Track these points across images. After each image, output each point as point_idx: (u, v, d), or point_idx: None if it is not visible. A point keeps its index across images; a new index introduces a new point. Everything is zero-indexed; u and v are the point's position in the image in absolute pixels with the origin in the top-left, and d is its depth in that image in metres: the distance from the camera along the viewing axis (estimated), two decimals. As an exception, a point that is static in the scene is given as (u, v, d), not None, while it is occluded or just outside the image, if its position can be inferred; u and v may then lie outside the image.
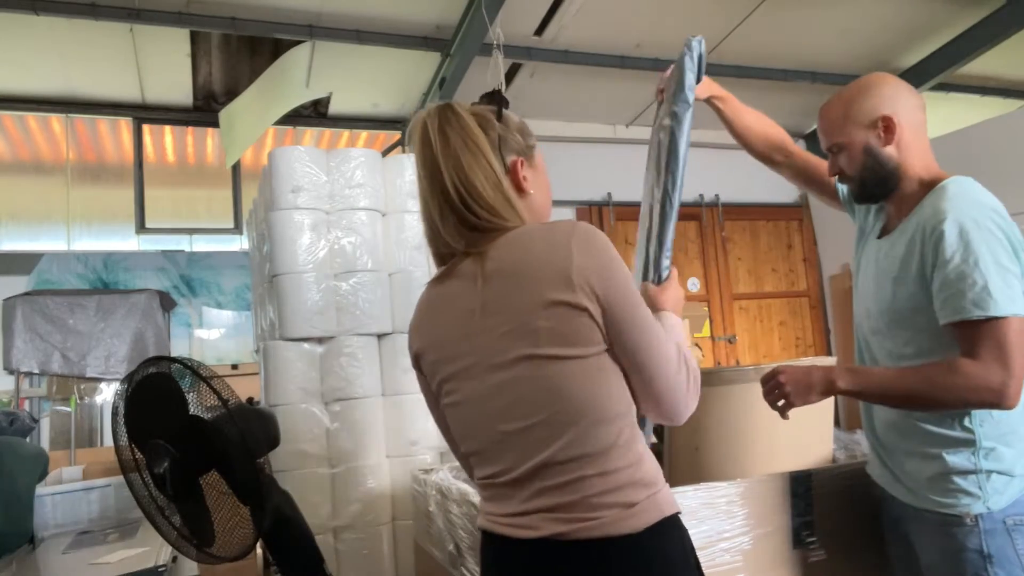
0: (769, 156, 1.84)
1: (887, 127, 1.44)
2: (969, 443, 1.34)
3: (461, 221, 1.10)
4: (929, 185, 1.43)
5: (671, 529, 1.05)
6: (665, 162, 1.53)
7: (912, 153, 1.46)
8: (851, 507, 1.71)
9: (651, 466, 1.07)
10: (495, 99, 1.21)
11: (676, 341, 1.13)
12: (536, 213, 1.20)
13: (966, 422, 1.35)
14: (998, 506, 1.31)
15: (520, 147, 1.20)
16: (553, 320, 1.01)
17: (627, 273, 1.06)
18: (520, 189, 1.17)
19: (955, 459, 1.35)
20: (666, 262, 1.45)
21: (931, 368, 1.34)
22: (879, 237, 1.55)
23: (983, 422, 1.34)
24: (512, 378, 1.04)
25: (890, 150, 1.45)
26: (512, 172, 1.17)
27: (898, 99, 1.46)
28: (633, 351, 1.05)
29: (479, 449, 1.10)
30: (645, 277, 1.48)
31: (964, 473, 1.34)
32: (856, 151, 1.47)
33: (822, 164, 1.76)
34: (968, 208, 1.33)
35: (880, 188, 1.48)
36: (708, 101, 1.78)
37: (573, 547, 0.99)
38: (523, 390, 1.03)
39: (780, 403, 1.42)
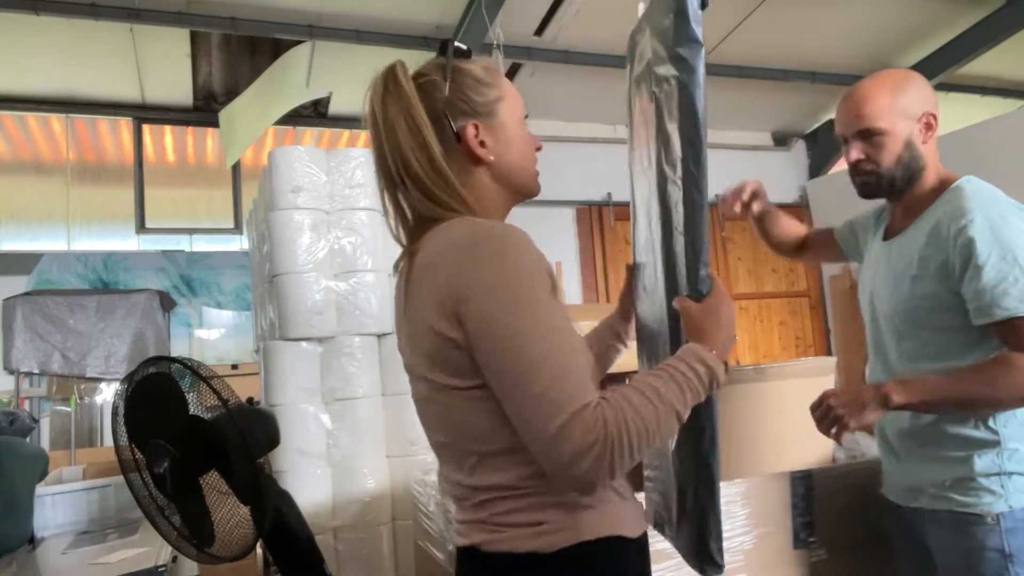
0: (796, 253, 1.92)
1: (928, 124, 1.42)
2: (994, 444, 1.32)
3: (398, 211, 1.03)
4: (941, 186, 1.42)
5: (592, 554, 0.93)
6: (679, 130, 1.06)
7: (932, 154, 1.44)
8: (851, 507, 1.71)
9: (579, 491, 0.94)
10: (445, 51, 1.06)
11: (679, 395, 0.92)
12: (507, 177, 1.06)
13: (991, 423, 1.33)
14: (1020, 504, 1.30)
15: (473, 108, 1.03)
16: (435, 346, 0.93)
17: (513, 291, 0.88)
18: (476, 159, 1.03)
19: (979, 461, 1.33)
20: (703, 271, 1.07)
21: (988, 368, 1.29)
22: (885, 239, 1.53)
23: (1007, 423, 1.32)
24: (425, 395, 1.00)
25: (924, 148, 1.42)
26: (464, 141, 1.02)
27: (934, 99, 1.44)
28: (496, 385, 0.89)
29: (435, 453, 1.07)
30: (669, 294, 1.12)
31: (987, 475, 1.32)
32: (897, 142, 1.41)
33: (821, 232, 1.84)
34: (991, 206, 1.31)
35: (904, 184, 1.43)
36: (755, 219, 1.84)
37: (488, 557, 0.95)
38: (432, 409, 1.00)
39: (834, 429, 1.33)
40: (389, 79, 1.01)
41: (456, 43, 1.06)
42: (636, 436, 0.85)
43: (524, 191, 1.10)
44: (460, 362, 0.91)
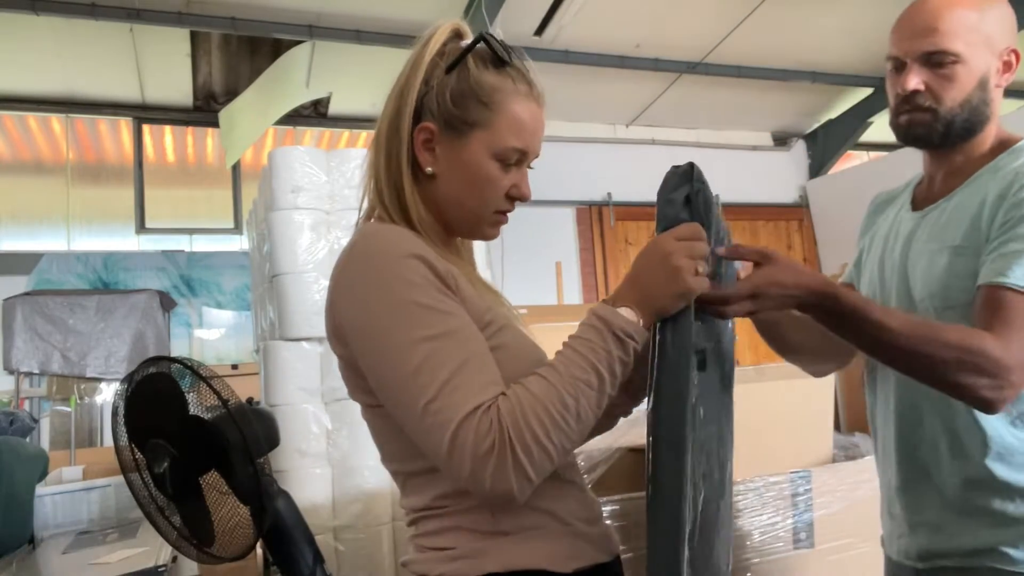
0: (831, 346, 1.31)
1: (1008, 63, 1.12)
2: None
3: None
4: (1000, 146, 1.14)
5: None
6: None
7: (998, 106, 1.13)
8: (851, 507, 1.71)
9: (491, 513, 0.85)
10: (479, 40, 0.93)
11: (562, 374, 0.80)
12: (442, 204, 0.94)
13: None
14: None
15: (444, 112, 0.91)
16: (340, 365, 0.93)
17: (379, 303, 0.82)
18: (419, 166, 0.92)
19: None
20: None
21: (944, 325, 1.03)
22: (916, 209, 1.22)
23: None
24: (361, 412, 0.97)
25: (996, 92, 1.12)
26: (413, 141, 0.92)
27: (1015, 32, 1.13)
28: (386, 403, 0.84)
29: None
30: None
31: None
32: (971, 76, 1.09)
33: None
34: None
35: (961, 136, 1.12)
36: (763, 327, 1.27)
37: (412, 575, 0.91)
38: (368, 426, 0.97)
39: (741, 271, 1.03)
40: (431, 32, 0.94)
41: (495, 42, 0.93)
42: (539, 424, 0.76)
43: (459, 232, 0.99)
44: (360, 380, 0.88)
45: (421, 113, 0.92)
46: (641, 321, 0.84)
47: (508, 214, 0.97)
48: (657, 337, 0.87)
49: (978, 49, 1.09)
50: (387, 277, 0.83)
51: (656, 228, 0.91)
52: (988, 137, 1.14)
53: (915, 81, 1.10)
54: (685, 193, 0.91)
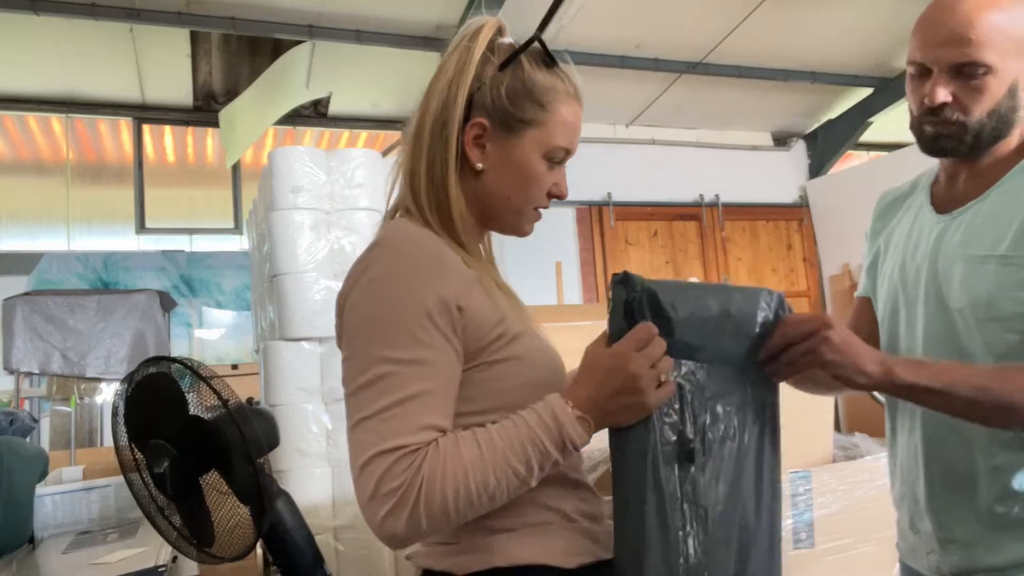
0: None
1: None
2: None
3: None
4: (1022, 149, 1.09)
5: None
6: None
7: None
8: (851, 507, 1.71)
9: (502, 509, 0.83)
10: (532, 41, 0.95)
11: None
12: (486, 199, 0.95)
13: None
14: None
15: (495, 107, 0.92)
16: None
17: (368, 309, 0.82)
18: (467, 160, 0.93)
19: None
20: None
21: (1014, 368, 0.98)
22: (940, 211, 1.14)
23: None
24: None
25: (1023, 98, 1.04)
26: (464, 136, 0.92)
27: None
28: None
29: None
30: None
31: None
32: (1002, 84, 1.02)
33: (857, 312, 1.31)
34: None
35: (989, 143, 1.06)
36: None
37: (417, 570, 0.92)
38: None
39: (804, 363, 0.94)
40: (475, 29, 0.94)
41: (545, 45, 0.95)
42: (453, 490, 0.75)
43: (498, 227, 1.00)
44: None
45: (471, 109, 0.92)
46: (592, 427, 0.82)
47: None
48: (613, 441, 0.86)
49: (1009, 56, 1.01)
50: (391, 288, 0.82)
51: (608, 341, 0.87)
52: (1014, 138, 1.08)
53: (943, 93, 1.03)
54: (623, 300, 0.87)
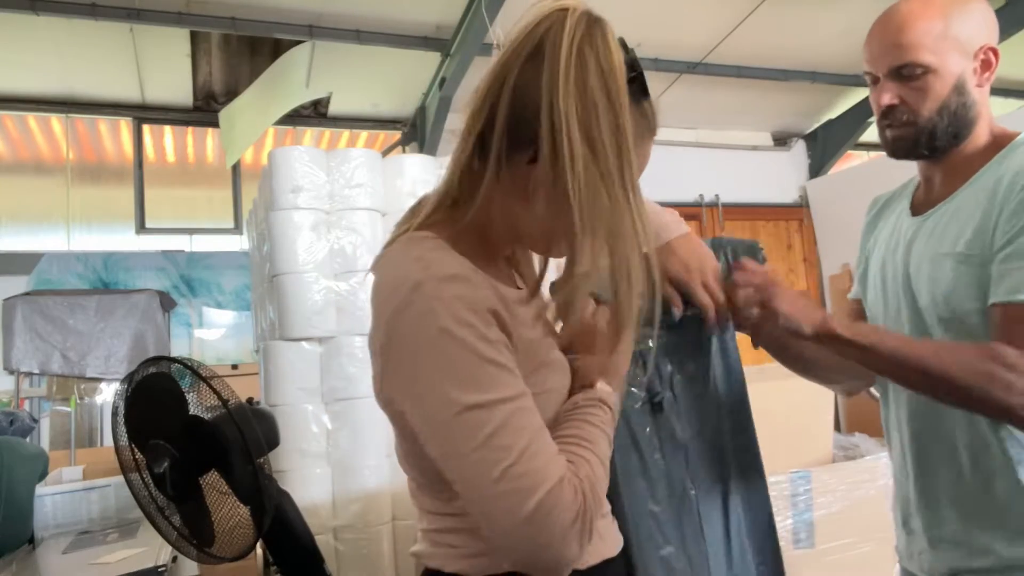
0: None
1: (987, 62, 1.10)
2: None
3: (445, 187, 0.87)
4: (996, 143, 1.12)
5: None
6: None
7: (986, 103, 1.11)
8: (851, 507, 1.71)
9: None
10: (636, 73, 0.83)
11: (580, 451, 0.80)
12: (517, 232, 0.86)
13: None
14: None
15: None
16: (376, 385, 0.85)
17: (438, 372, 0.74)
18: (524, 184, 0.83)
19: None
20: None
21: (960, 345, 1.02)
22: (916, 214, 1.19)
23: None
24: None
25: (978, 94, 1.10)
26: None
27: (995, 27, 1.11)
28: (444, 466, 0.78)
29: None
30: None
31: None
32: (944, 84, 1.07)
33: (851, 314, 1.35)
34: None
35: (948, 141, 1.10)
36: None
37: (426, 570, 0.91)
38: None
39: (754, 311, 1.05)
40: (599, 26, 0.79)
41: (643, 73, 0.85)
42: (602, 499, 0.81)
43: (505, 248, 0.92)
44: (389, 408, 0.84)
45: None
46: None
47: None
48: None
49: (949, 55, 1.07)
50: (445, 344, 0.74)
51: None
52: (981, 136, 1.12)
53: (888, 96, 1.10)
54: None
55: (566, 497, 0.73)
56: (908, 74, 1.08)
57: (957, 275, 1.05)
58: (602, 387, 0.88)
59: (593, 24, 0.79)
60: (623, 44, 0.83)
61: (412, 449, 0.85)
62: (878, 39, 1.11)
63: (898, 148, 1.13)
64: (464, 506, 0.79)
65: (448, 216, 0.86)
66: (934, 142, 1.10)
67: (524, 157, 0.80)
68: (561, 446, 0.79)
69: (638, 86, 0.84)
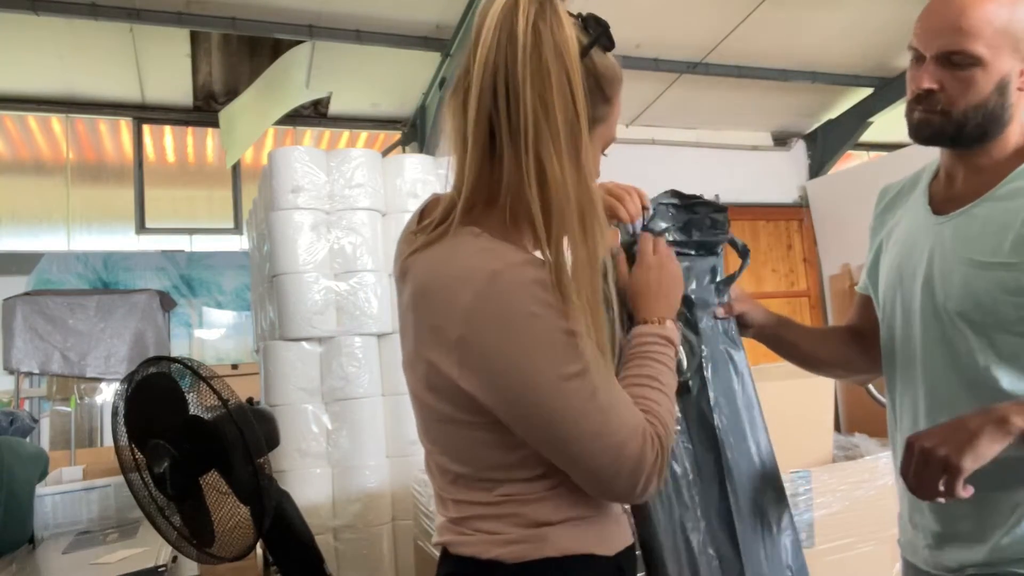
0: (858, 358, 1.32)
1: None
2: None
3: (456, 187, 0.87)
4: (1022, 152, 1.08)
5: (557, 572, 0.87)
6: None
7: (1022, 107, 1.07)
8: (851, 507, 1.71)
9: (553, 505, 0.88)
10: (587, 26, 0.84)
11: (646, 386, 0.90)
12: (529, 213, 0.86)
13: None
14: None
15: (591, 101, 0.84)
16: (433, 377, 0.86)
17: (537, 352, 0.79)
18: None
19: None
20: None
21: None
22: (938, 212, 1.14)
23: None
24: (415, 402, 0.94)
25: (1017, 96, 1.05)
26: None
27: None
28: (536, 440, 0.84)
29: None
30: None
31: None
32: (990, 80, 1.02)
33: (858, 310, 1.32)
34: None
35: (974, 138, 1.07)
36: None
37: (456, 559, 0.93)
38: (419, 416, 0.94)
39: (943, 480, 0.91)
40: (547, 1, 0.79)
41: (607, 25, 0.85)
42: (672, 436, 0.89)
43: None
44: (459, 399, 0.84)
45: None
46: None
47: None
48: None
49: (1001, 52, 1.01)
50: (532, 323, 0.80)
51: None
52: (1011, 138, 1.08)
53: (927, 81, 1.05)
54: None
55: (649, 443, 0.84)
56: (957, 62, 1.02)
57: (1004, 283, 1.02)
58: (660, 325, 0.98)
59: (544, 2, 0.80)
60: (576, 16, 0.85)
61: (469, 442, 0.88)
62: (938, 15, 1.04)
63: (922, 131, 1.09)
64: (511, 492, 0.87)
65: (481, 212, 0.87)
66: (961, 135, 1.06)
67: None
68: (635, 388, 0.90)
69: (603, 42, 0.86)
